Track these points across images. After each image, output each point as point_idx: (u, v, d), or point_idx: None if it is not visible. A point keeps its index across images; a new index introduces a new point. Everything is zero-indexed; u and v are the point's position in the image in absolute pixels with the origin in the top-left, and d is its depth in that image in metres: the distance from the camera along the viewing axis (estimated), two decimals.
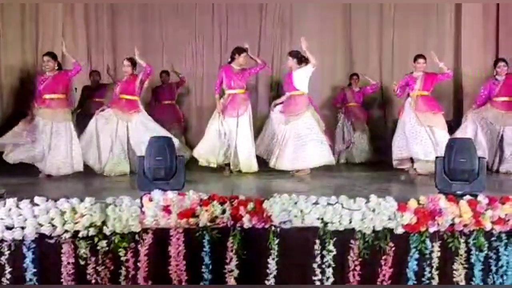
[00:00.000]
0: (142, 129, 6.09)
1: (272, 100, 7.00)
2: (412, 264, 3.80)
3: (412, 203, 3.82)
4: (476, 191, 3.95)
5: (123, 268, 3.72)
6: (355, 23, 8.77)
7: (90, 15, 8.64)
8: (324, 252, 3.77)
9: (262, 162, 6.47)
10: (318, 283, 3.78)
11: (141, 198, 3.82)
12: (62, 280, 3.66)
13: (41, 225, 3.62)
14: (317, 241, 3.76)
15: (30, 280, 3.65)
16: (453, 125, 6.81)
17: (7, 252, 3.63)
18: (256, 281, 3.78)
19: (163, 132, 5.80)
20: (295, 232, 3.77)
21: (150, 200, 3.77)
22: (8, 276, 3.63)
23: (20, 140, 5.84)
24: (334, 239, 3.76)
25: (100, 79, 7.99)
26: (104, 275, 3.71)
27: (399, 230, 3.75)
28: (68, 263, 3.67)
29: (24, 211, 3.65)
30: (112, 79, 7.41)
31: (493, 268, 3.89)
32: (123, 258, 3.71)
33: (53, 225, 3.62)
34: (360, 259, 3.78)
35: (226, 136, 6.20)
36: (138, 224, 3.69)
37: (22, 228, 3.60)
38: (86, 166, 6.12)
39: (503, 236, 3.88)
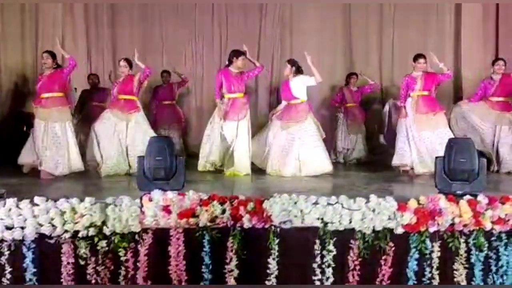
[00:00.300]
0: (138, 129, 6.13)
1: (272, 103, 6.97)
2: (412, 264, 3.80)
3: (412, 203, 3.82)
4: (476, 191, 3.96)
5: (123, 268, 3.72)
6: (355, 23, 8.76)
7: (90, 15, 8.64)
8: (324, 252, 3.77)
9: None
10: (318, 283, 3.78)
11: (141, 198, 3.82)
12: (62, 280, 3.67)
13: (41, 225, 3.62)
14: (317, 241, 3.77)
15: (30, 280, 3.65)
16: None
17: (7, 252, 3.63)
18: (256, 281, 3.78)
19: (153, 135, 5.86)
20: (295, 232, 3.77)
21: (150, 200, 3.77)
22: (8, 276, 3.63)
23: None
24: (334, 239, 3.76)
25: (98, 83, 7.93)
26: (104, 275, 3.72)
27: (399, 230, 3.75)
28: (68, 263, 3.67)
29: (24, 211, 3.65)
30: (112, 82, 7.36)
31: (493, 268, 3.89)
32: (123, 258, 3.71)
33: (53, 225, 3.62)
34: (360, 259, 3.78)
35: (226, 139, 6.22)
36: (138, 224, 3.69)
37: (22, 228, 3.60)
38: (86, 166, 6.12)
39: (503, 236, 3.88)
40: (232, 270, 3.75)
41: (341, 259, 3.79)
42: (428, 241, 3.79)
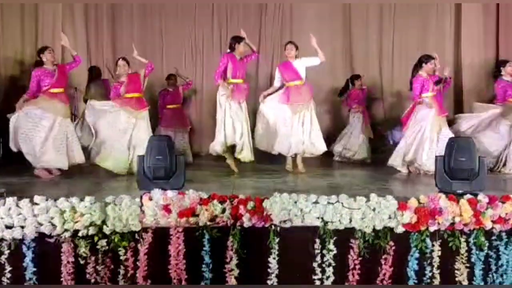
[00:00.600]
0: (145, 126, 6.14)
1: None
2: (413, 263, 3.80)
3: (413, 202, 3.82)
4: (476, 190, 3.95)
5: (123, 267, 3.72)
6: (355, 23, 8.78)
7: (90, 15, 8.64)
8: (324, 251, 3.76)
9: (262, 162, 6.47)
10: (318, 282, 3.77)
11: (141, 197, 3.81)
12: (62, 279, 3.66)
13: (41, 224, 3.62)
14: (318, 240, 3.76)
15: (30, 279, 3.65)
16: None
17: (7, 251, 3.63)
18: (256, 281, 3.78)
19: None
20: (295, 231, 3.77)
21: (150, 199, 3.77)
22: (8, 275, 3.63)
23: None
24: (334, 238, 3.76)
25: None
26: (104, 274, 3.71)
27: (400, 229, 3.75)
28: (68, 262, 3.67)
29: (24, 210, 3.65)
30: (111, 74, 7.30)
31: (493, 267, 3.89)
32: (122, 257, 3.71)
33: (53, 224, 3.62)
34: (360, 258, 3.78)
35: (236, 120, 6.11)
36: (138, 223, 3.68)
37: (22, 227, 3.61)
38: (85, 166, 6.11)
39: (503, 235, 3.88)
40: (232, 269, 3.75)
41: (342, 258, 3.78)
42: (428, 240, 3.79)
